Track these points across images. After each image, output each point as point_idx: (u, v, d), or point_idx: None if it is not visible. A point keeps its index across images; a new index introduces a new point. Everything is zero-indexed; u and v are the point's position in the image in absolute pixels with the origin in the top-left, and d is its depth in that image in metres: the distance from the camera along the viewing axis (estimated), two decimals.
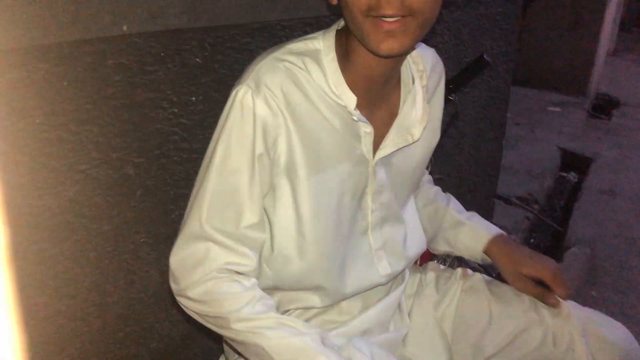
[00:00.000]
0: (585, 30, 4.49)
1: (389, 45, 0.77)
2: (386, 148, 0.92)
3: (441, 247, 1.14)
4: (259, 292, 0.84)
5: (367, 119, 0.88)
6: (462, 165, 2.13)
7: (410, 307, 1.09)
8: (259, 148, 0.82)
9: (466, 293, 1.08)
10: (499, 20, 2.04)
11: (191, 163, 1.17)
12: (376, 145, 0.92)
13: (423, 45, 1.00)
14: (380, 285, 1.01)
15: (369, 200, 0.94)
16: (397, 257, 1.01)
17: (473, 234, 1.09)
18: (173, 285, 0.87)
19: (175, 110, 1.13)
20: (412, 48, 0.89)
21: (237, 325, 0.80)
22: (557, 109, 4.35)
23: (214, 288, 0.82)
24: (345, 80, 0.85)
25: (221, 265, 0.83)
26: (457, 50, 1.89)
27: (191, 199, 0.86)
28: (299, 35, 0.93)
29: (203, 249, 0.83)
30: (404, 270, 1.05)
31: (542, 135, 3.74)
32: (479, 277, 1.10)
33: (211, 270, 0.82)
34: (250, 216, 0.84)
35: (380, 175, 0.94)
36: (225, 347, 1.01)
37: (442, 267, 1.17)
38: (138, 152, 1.08)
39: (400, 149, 0.93)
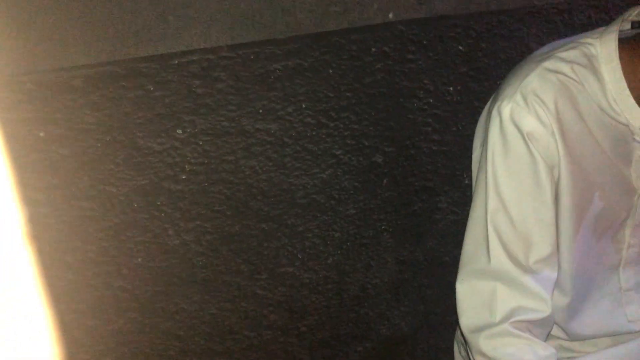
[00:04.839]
0: None
1: None
2: None
3: None
4: None
5: None
6: None
7: None
8: (541, 168, 0.72)
9: None
10: None
11: (440, 156, 1.13)
12: None
13: None
14: (629, 332, 0.85)
15: (627, 233, 0.80)
16: None
17: None
18: (459, 317, 0.81)
19: (431, 101, 1.09)
20: None
21: None
22: None
23: (503, 348, 0.73)
24: (631, 94, 0.71)
25: (510, 313, 0.74)
26: None
27: (469, 227, 0.80)
28: (580, 20, 0.80)
29: (489, 289, 0.76)
30: None
31: None
32: None
33: (499, 317, 0.74)
34: (541, 247, 0.75)
35: None
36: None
37: None
38: (389, 141, 1.08)
39: None
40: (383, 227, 1.14)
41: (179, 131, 0.92)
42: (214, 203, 0.97)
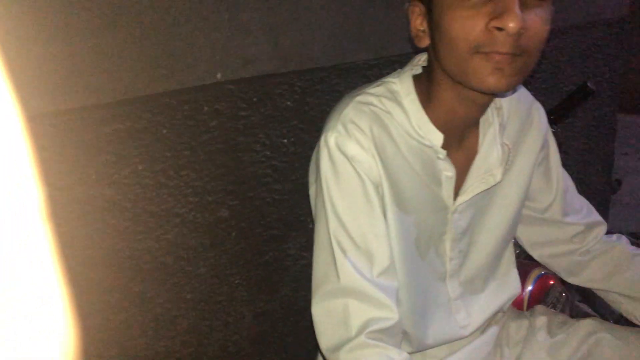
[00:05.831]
0: None
1: (496, 80, 0.73)
2: (466, 193, 0.88)
3: None
4: None
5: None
6: None
7: (518, 355, 1.00)
8: (368, 187, 0.80)
9: (597, 346, 0.97)
10: (600, 46, 1.92)
11: (283, 204, 1.17)
12: (456, 189, 0.88)
13: None
14: (462, 337, 0.95)
15: (447, 247, 0.90)
16: (478, 307, 0.96)
17: None
18: (319, 340, 0.83)
19: (268, 153, 1.15)
20: (514, 89, 0.85)
21: None
22: None
23: (362, 359, 0.76)
24: (430, 119, 0.83)
25: (364, 325, 0.77)
26: (556, 79, 1.79)
27: (316, 253, 0.84)
28: (388, 72, 0.92)
29: (342, 306, 0.79)
30: (490, 320, 0.99)
31: None
32: (619, 330, 0.98)
33: (355, 331, 0.77)
34: (381, 260, 0.80)
35: (461, 222, 0.90)
36: None
37: (552, 311, 1.08)
38: (232, 194, 1.10)
39: (485, 191, 0.89)
40: (237, 282, 1.13)
41: None
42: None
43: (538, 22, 0.71)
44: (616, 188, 2.92)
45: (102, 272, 0.95)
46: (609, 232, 1.03)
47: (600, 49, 1.93)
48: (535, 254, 1.06)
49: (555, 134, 1.20)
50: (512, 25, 0.68)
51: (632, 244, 2.39)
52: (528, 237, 1.03)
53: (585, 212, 1.03)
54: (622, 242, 1.02)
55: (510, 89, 0.77)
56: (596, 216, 1.04)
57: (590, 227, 1.02)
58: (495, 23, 0.69)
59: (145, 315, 1.00)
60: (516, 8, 0.68)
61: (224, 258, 1.10)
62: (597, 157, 2.06)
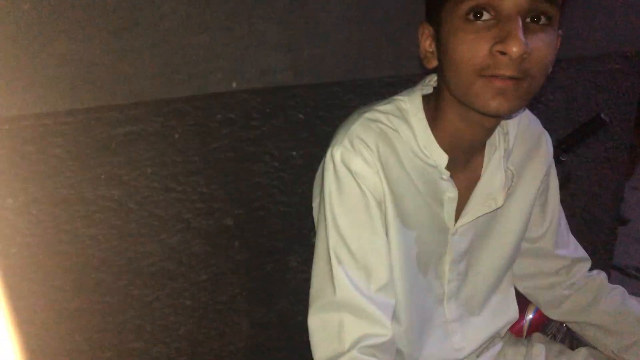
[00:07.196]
0: None
1: (498, 104, 0.73)
2: (467, 216, 0.88)
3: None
4: None
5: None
6: (573, 232, 1.97)
7: None
8: (371, 202, 0.80)
9: None
10: (616, 78, 1.92)
11: (287, 216, 1.17)
12: (458, 212, 0.88)
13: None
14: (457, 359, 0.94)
15: (446, 269, 0.90)
16: (474, 331, 0.95)
17: None
18: (313, 351, 0.83)
19: (276, 165, 1.15)
20: (517, 112, 0.85)
21: None
22: None
23: None
24: (436, 139, 0.83)
25: (357, 340, 0.77)
26: (569, 108, 1.78)
27: (315, 265, 0.84)
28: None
29: (337, 320, 0.79)
30: (485, 345, 0.98)
31: None
32: None
33: (348, 345, 0.77)
34: (380, 276, 0.80)
35: (461, 244, 0.90)
36: None
37: (550, 340, 1.07)
38: (238, 203, 1.10)
39: (486, 215, 0.88)
40: (236, 291, 1.13)
41: (10, 200, 0.85)
42: (50, 277, 0.90)
43: (541, 46, 0.71)
44: (624, 223, 2.90)
45: (103, 273, 0.95)
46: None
47: (616, 81, 1.92)
48: (520, 285, 1.06)
49: (564, 163, 1.19)
50: (515, 50, 0.68)
51: (638, 279, 2.35)
52: (516, 268, 1.03)
53: (572, 247, 1.04)
54: (601, 276, 1.02)
55: (513, 112, 0.76)
56: (582, 252, 1.04)
57: (576, 262, 1.02)
58: (498, 47, 0.70)
59: (143, 319, 1.00)
60: (519, 33, 0.69)
61: (225, 267, 1.10)
62: (606, 189, 2.04)
